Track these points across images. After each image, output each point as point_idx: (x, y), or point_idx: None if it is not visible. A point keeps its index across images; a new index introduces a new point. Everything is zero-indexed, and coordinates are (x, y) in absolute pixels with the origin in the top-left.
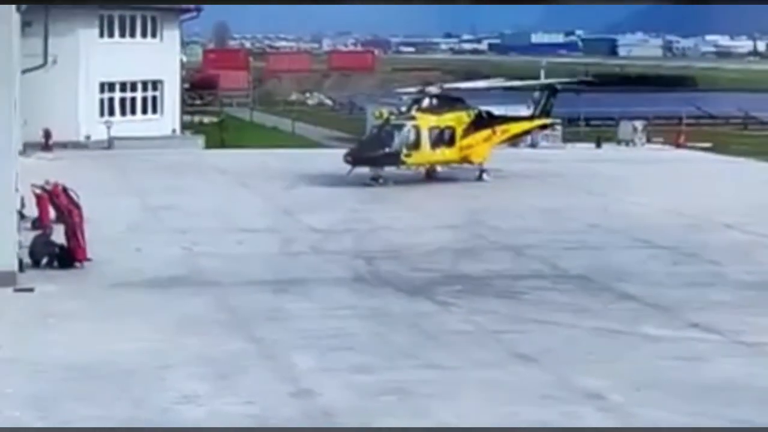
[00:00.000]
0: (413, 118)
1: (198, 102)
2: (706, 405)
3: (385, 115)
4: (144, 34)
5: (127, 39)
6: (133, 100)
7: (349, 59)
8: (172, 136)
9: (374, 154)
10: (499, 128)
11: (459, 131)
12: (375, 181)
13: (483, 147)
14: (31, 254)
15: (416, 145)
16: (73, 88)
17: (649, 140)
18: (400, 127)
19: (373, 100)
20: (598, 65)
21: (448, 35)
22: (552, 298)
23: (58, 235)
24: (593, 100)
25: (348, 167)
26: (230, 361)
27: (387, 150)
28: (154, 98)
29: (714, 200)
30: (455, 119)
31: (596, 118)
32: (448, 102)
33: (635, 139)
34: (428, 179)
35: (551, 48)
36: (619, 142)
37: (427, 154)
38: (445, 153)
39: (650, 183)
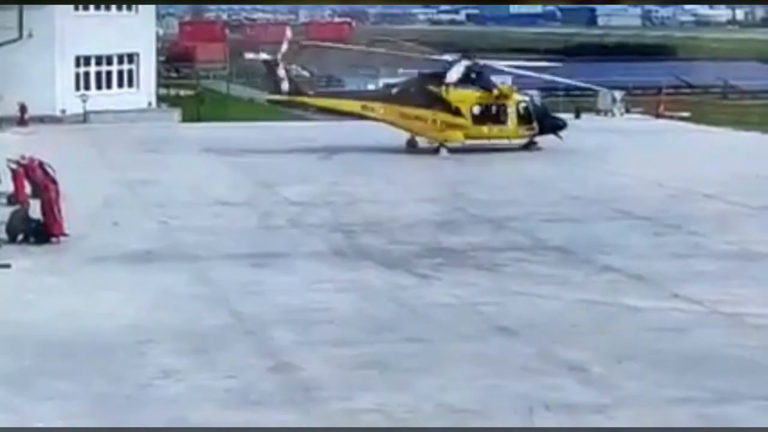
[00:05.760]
0: (506, 95)
1: (174, 75)
2: (687, 376)
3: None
4: (119, 7)
5: (103, 11)
6: (109, 73)
7: (326, 30)
8: (148, 110)
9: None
10: None
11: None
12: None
13: None
14: (8, 230)
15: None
16: (49, 62)
17: (628, 110)
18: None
19: (352, 72)
20: (577, 35)
21: (426, 5)
22: (533, 270)
23: (35, 211)
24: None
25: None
26: (209, 335)
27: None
28: (130, 71)
29: (694, 170)
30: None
31: (575, 88)
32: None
33: (614, 109)
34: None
35: (529, 18)
36: (598, 112)
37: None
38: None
39: (630, 153)
